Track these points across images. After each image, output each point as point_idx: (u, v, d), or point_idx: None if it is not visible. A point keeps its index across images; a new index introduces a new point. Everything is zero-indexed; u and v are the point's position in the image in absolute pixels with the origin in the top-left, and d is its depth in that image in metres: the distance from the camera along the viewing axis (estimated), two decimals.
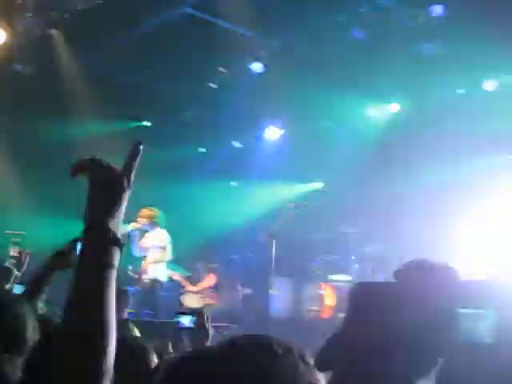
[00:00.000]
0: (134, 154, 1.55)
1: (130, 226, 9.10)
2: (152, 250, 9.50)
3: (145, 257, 9.52)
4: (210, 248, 11.28)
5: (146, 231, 9.54)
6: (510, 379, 1.25)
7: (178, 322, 4.79)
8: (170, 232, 9.63)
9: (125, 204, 1.51)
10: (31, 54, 9.81)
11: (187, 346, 4.32)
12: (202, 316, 4.08)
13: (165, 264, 9.70)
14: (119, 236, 1.47)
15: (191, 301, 10.26)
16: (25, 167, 10.86)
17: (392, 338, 1.00)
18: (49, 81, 10.07)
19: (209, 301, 10.34)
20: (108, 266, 1.43)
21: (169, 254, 9.59)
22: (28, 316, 2.48)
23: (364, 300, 1.04)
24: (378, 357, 0.99)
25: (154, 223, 9.46)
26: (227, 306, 10.31)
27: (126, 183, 1.51)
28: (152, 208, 9.52)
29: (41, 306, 4.88)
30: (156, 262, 9.51)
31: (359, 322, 1.03)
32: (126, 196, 1.51)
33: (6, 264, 8.20)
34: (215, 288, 10.57)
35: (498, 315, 1.00)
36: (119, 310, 4.66)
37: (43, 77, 10.00)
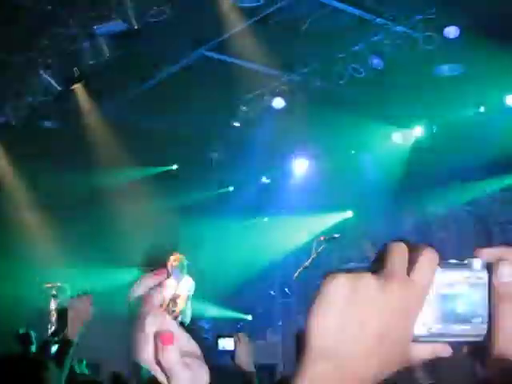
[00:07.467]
0: None
1: None
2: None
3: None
4: (246, 285, 11.22)
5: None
6: None
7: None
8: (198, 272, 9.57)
9: None
10: (56, 110, 10.03)
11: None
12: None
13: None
14: None
15: None
16: (59, 219, 11.03)
17: None
18: (75, 134, 10.27)
19: None
20: None
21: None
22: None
23: None
24: None
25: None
26: None
27: None
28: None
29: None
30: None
31: None
32: None
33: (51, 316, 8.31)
34: None
35: None
36: None
37: (69, 131, 10.20)
